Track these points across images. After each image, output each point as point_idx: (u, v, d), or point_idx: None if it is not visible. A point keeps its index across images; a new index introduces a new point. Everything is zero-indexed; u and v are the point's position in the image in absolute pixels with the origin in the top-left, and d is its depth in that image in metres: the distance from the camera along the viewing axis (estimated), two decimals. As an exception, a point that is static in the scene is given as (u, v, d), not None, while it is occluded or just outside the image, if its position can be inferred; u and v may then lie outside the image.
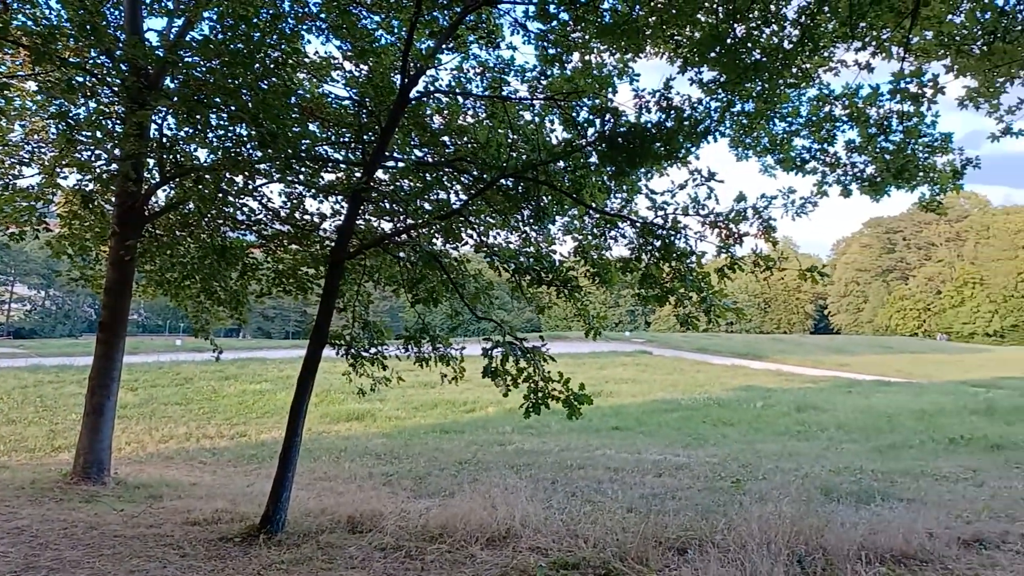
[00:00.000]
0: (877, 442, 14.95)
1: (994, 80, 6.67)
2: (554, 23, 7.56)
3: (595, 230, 8.33)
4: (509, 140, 8.45)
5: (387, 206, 9.33)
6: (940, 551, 6.92)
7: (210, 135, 7.95)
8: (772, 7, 6.53)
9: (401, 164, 8.98)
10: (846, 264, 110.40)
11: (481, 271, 9.43)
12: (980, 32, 6.69)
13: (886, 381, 33.97)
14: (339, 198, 9.42)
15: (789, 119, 7.25)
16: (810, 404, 22.42)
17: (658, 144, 7.12)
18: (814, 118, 7.21)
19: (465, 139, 8.77)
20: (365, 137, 8.41)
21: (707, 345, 55.51)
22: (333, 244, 8.25)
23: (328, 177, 9.68)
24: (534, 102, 8.49)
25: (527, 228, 8.80)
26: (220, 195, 8.73)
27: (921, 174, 7.18)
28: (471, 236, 8.99)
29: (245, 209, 9.67)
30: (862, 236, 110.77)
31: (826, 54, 7.18)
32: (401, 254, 9.00)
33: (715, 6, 6.55)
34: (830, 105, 7.11)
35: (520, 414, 7.44)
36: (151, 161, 9.48)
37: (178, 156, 8.89)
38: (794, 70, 6.49)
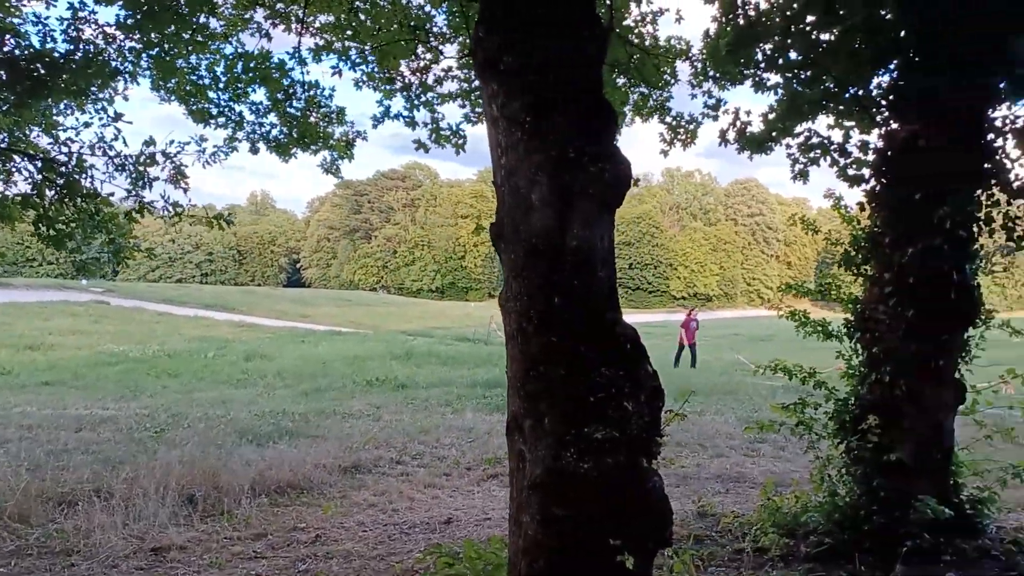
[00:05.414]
0: (308, 386, 16.17)
1: (383, 67, 7.77)
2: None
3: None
4: None
5: None
6: (322, 479, 8.03)
7: None
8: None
9: None
10: (319, 221, 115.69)
11: None
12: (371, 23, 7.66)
13: (339, 331, 36.80)
14: None
15: (199, 73, 7.37)
16: (259, 353, 23.05)
17: (66, 76, 6.73)
18: (228, 75, 7.44)
19: None
20: None
21: (174, 296, 53.24)
22: None
23: None
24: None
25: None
26: None
27: (321, 141, 8.06)
28: None
29: None
30: (334, 196, 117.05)
31: (247, 16, 7.44)
32: None
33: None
34: (242, 63, 7.42)
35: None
36: None
37: None
38: (203, 21, 6.61)
